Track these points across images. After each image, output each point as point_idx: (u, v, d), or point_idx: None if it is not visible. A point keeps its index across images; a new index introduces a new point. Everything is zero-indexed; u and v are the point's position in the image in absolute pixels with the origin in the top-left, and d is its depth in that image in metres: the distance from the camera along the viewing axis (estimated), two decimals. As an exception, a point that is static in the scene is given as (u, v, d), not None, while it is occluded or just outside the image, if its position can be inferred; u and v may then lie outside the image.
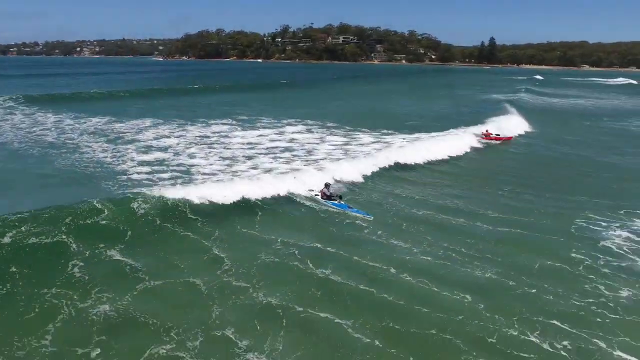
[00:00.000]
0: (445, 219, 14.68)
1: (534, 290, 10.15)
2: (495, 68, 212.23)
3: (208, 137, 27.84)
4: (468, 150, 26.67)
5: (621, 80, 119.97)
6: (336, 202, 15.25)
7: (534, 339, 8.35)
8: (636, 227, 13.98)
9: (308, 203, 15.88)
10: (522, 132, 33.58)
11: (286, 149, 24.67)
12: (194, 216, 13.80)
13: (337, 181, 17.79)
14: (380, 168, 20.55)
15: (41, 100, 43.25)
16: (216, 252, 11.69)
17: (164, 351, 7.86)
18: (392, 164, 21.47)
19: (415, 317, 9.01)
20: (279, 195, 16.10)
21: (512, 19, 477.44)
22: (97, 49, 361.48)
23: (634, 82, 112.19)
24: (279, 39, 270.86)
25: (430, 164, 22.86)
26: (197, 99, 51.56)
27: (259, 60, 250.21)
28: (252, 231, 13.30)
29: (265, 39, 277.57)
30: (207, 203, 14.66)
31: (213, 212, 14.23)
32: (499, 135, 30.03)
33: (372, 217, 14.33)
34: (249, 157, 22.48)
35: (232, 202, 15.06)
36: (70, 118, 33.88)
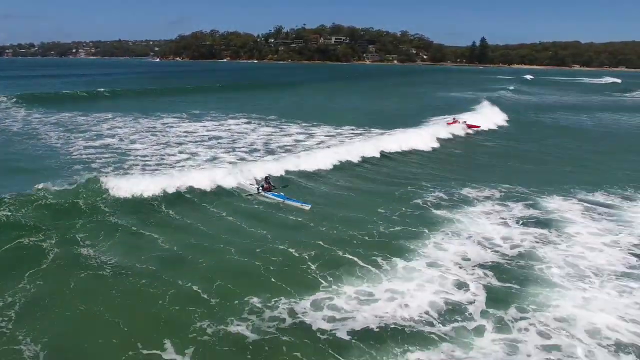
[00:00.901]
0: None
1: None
2: (487, 68, 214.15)
3: (155, 127, 29.70)
4: (423, 141, 26.23)
5: (606, 79, 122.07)
6: (275, 193, 15.53)
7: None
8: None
9: (246, 195, 15.88)
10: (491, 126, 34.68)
11: (219, 140, 26.32)
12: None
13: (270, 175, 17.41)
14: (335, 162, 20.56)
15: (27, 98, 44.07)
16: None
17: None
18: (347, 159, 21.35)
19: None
20: (218, 187, 16.11)
21: (505, 20, 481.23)
22: (93, 50, 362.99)
23: (618, 80, 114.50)
24: (272, 40, 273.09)
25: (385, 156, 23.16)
26: (163, 97, 52.63)
27: (255, 61, 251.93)
28: (179, 221, 13.54)
29: (258, 39, 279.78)
30: (129, 196, 14.62)
31: (139, 204, 14.35)
32: (466, 122, 31.72)
33: (310, 206, 14.67)
34: (182, 146, 24.27)
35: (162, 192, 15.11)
36: (39, 113, 35.69)
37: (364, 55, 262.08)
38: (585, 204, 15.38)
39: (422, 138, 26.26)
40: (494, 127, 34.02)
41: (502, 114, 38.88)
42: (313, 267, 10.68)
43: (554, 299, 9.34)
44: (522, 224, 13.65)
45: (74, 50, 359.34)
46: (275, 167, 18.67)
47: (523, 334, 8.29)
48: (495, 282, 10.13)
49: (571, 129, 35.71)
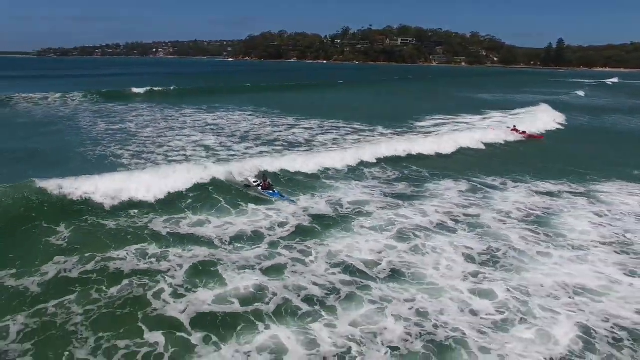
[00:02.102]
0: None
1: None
2: (559, 71, 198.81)
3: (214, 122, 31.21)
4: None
5: None
6: (271, 191, 15.37)
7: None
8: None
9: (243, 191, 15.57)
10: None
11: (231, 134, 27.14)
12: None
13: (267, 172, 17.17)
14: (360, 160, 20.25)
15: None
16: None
17: None
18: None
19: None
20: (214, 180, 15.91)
21: (587, 20, 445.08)
22: (171, 50, 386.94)
23: None
24: (339, 41, 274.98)
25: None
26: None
27: (324, 62, 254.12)
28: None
29: (325, 40, 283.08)
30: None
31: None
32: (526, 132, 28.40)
33: (295, 203, 14.66)
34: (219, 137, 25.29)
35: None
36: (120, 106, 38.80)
37: (431, 57, 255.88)
38: None
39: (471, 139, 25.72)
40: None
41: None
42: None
43: None
44: None
45: (154, 50, 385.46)
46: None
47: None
48: None
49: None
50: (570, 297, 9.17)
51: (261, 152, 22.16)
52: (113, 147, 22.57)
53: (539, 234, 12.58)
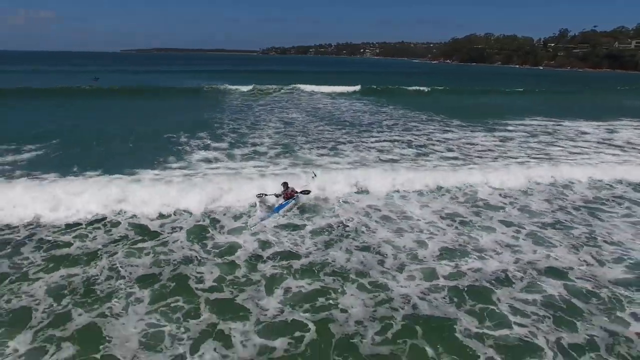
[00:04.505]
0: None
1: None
2: None
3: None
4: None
5: None
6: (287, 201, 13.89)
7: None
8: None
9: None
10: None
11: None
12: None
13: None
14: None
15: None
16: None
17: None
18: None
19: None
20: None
21: None
22: (377, 51, 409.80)
23: None
24: (552, 44, 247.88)
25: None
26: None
27: (540, 67, 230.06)
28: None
29: (536, 44, 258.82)
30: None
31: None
32: None
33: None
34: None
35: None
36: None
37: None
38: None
39: None
40: None
41: None
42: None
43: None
44: None
45: (361, 50, 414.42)
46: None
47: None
48: None
49: None
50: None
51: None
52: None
53: None
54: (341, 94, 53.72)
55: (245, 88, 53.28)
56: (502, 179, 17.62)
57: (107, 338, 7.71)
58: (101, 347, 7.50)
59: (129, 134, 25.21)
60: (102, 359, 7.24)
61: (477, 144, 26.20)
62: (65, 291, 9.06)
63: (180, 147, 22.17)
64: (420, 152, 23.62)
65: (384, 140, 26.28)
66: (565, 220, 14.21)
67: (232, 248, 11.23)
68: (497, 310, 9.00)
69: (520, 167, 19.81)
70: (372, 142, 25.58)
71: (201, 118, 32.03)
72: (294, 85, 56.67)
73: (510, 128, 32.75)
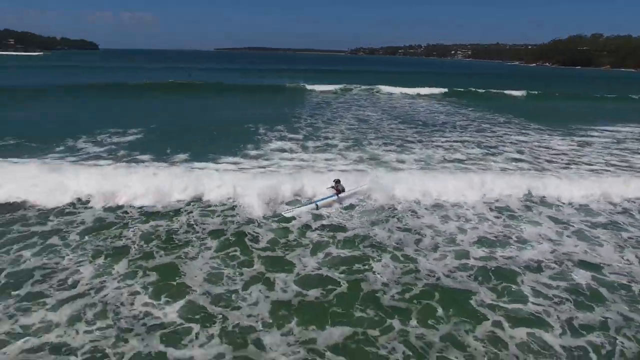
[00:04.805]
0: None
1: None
2: None
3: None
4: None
5: None
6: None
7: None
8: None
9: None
10: None
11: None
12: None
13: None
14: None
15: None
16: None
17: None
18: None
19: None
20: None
21: None
22: (469, 52, 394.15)
23: None
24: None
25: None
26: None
27: None
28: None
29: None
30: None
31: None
32: None
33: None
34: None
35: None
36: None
37: None
38: None
39: None
40: None
41: None
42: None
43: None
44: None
45: (452, 52, 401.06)
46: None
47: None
48: None
49: None
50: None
51: None
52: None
53: None
54: (421, 95, 53.80)
55: (326, 87, 55.45)
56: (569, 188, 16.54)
57: (182, 272, 9.82)
58: (176, 277, 9.63)
59: (214, 123, 28.59)
60: (176, 285, 9.34)
61: (551, 148, 25.49)
62: (153, 236, 11.48)
63: (258, 137, 24.63)
64: (488, 152, 23.69)
65: (454, 140, 26.54)
66: (622, 223, 14.00)
67: (288, 219, 12.97)
68: (517, 289, 9.69)
69: (590, 178, 18.32)
70: (441, 142, 26.03)
71: (281, 112, 34.64)
72: (375, 86, 57.73)
73: (594, 134, 31.04)
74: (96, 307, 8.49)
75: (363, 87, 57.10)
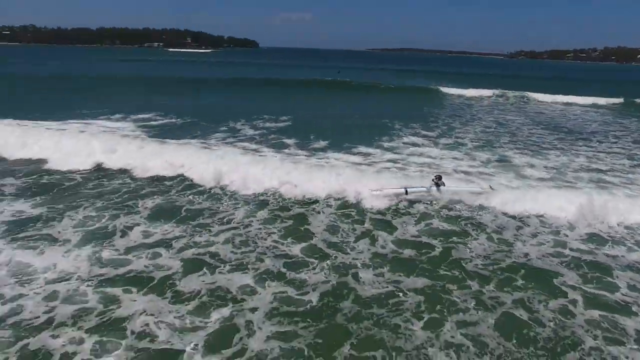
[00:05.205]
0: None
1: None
2: None
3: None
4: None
5: None
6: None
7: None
8: None
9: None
10: None
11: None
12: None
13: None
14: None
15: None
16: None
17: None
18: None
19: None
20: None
21: None
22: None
23: None
24: None
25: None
26: None
27: None
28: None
29: None
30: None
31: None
32: None
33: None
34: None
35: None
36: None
37: None
38: None
39: None
40: None
41: None
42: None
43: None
44: None
45: (638, 56, 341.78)
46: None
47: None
48: None
49: None
50: None
51: None
52: None
53: None
54: (577, 104, 49.03)
55: (471, 91, 54.21)
56: None
57: (308, 222, 12.56)
58: (304, 225, 12.39)
59: (355, 117, 31.70)
60: (303, 230, 12.07)
61: None
62: (290, 196, 14.61)
63: (393, 132, 26.78)
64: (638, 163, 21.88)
65: (600, 151, 24.69)
66: None
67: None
68: (609, 280, 10.02)
69: None
70: (583, 150, 24.57)
71: (420, 112, 36.19)
72: (524, 92, 54.44)
73: None
74: (241, 237, 11.62)
75: (512, 92, 54.22)
